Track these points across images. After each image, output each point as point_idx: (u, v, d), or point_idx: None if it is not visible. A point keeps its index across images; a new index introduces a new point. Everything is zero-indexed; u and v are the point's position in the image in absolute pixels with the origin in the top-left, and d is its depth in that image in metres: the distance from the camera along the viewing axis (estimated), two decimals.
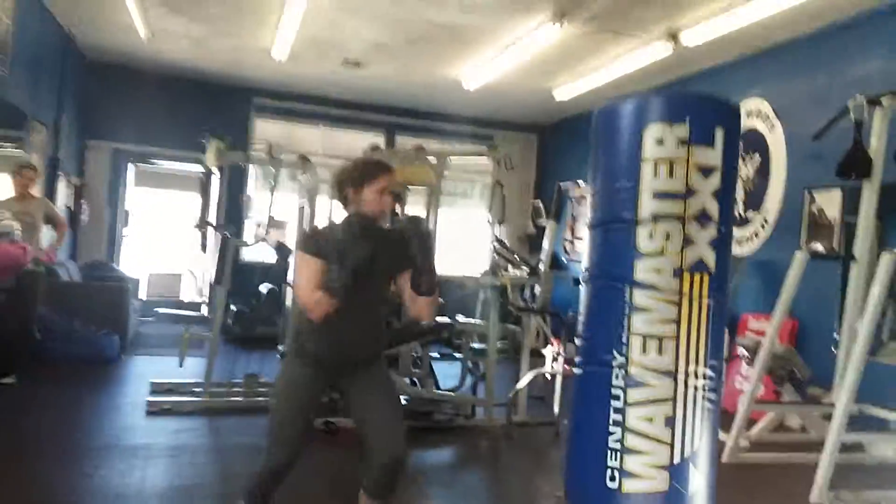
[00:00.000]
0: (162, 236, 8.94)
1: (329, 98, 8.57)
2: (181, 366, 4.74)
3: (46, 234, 5.35)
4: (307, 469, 3.61)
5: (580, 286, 2.31)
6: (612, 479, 2.05)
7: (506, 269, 5.40)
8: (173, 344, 4.82)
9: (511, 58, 6.27)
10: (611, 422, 2.07)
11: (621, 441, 2.05)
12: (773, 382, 4.83)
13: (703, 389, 2.07)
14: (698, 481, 2.04)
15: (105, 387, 5.09)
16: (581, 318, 2.25)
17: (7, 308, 4.71)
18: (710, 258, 2.09)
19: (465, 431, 4.47)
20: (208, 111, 7.88)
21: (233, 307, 7.85)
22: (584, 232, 7.56)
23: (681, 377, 2.05)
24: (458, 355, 5.53)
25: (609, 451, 2.06)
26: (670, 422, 2.03)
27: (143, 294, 8.50)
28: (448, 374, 5.36)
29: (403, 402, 4.48)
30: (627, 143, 2.14)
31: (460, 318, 5.31)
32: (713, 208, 2.10)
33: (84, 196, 7.82)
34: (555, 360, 4.83)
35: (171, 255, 8.89)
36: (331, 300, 2.17)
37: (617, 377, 2.08)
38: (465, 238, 8.25)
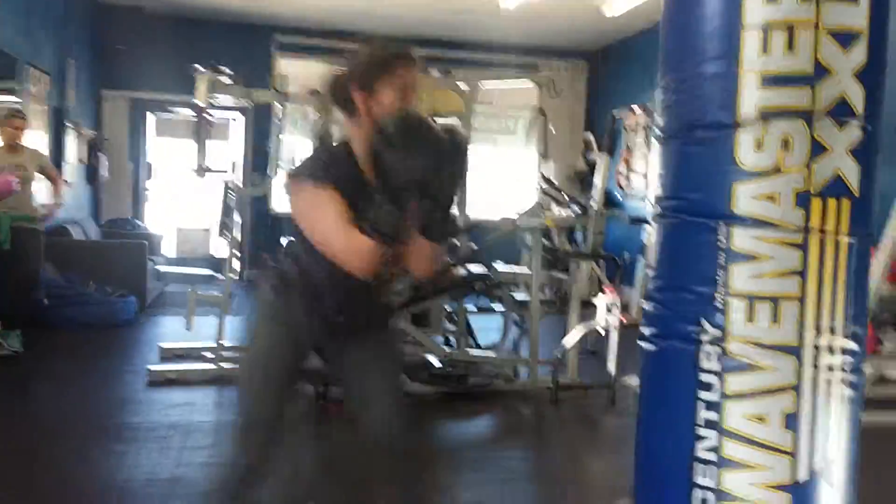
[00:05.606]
0: (189, 189, 8.48)
1: (356, 31, 7.84)
2: (189, 329, 4.31)
3: (45, 191, 4.87)
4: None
5: (641, 224, 1.57)
6: None
7: (549, 209, 4.68)
8: (198, 304, 4.35)
9: None
10: (701, 422, 1.39)
11: (717, 450, 1.37)
12: (872, 329, 4.13)
13: (842, 370, 1.36)
14: None
15: (110, 354, 4.65)
16: (651, 273, 1.54)
17: (2, 272, 4.29)
18: (852, 174, 1.36)
19: (504, 397, 3.88)
20: (228, 52, 7.25)
21: None
22: (641, 164, 6.73)
23: (808, 355, 1.34)
24: (498, 308, 4.89)
25: (698, 465, 1.39)
26: (793, 421, 1.34)
27: (171, 251, 8.11)
28: (487, 328, 4.74)
29: (437, 365, 3.91)
30: (719, 2, 1.40)
31: (500, 265, 4.65)
32: (856, 96, 1.35)
33: (102, 150, 7.37)
34: (609, 311, 4.13)
35: (200, 208, 8.44)
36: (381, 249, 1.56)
37: (709, 358, 1.38)
38: (508, 179, 7.49)
